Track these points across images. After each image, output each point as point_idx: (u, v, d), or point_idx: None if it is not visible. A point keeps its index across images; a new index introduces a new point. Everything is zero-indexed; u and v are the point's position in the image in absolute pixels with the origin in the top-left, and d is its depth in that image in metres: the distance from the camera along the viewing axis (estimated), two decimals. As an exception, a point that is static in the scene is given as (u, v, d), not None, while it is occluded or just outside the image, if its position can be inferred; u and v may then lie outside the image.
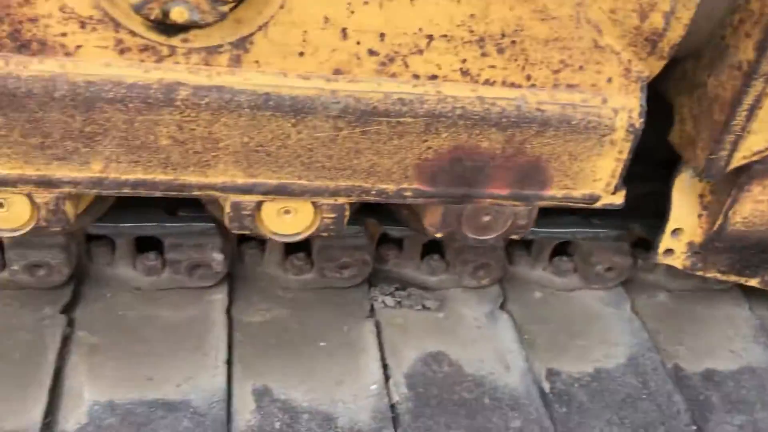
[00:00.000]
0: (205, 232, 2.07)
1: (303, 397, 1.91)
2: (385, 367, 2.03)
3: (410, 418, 1.90)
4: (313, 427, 1.83)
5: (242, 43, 1.47)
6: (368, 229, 2.20)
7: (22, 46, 1.41)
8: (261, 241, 2.23)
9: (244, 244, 2.24)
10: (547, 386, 2.08)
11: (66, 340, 1.94)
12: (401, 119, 1.59)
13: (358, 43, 1.51)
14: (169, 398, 1.84)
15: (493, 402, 1.99)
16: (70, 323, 2.00)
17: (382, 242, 2.30)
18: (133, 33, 1.43)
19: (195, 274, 2.11)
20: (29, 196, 1.59)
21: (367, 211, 2.14)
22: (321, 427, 1.84)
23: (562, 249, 2.45)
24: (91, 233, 2.05)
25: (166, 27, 1.42)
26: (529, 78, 1.64)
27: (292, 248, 2.22)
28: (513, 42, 1.57)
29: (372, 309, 2.23)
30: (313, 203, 1.74)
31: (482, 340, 2.19)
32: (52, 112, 1.45)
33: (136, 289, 2.14)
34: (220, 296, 2.16)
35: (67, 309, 2.04)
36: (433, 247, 2.33)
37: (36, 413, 1.73)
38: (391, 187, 1.71)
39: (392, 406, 1.92)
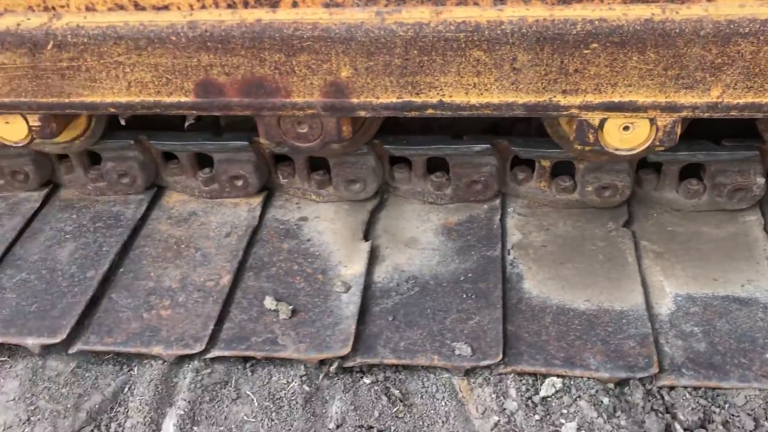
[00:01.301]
0: (749, 159, 2.34)
1: None
2: None
3: None
4: None
5: None
6: None
7: (676, -4, 1.80)
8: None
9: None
10: None
11: (636, 247, 2.35)
12: None
13: None
14: (738, 295, 2.16)
15: None
16: (633, 235, 2.41)
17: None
18: (767, -23, 1.74)
19: (735, 197, 2.40)
20: (651, 120, 2.00)
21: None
22: None
23: None
24: (649, 160, 2.43)
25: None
26: None
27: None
28: None
29: None
30: None
31: None
32: (693, 47, 1.83)
33: (676, 210, 2.50)
34: (754, 217, 2.43)
35: (627, 224, 2.46)
36: None
37: (637, 299, 2.15)
38: None
39: None
